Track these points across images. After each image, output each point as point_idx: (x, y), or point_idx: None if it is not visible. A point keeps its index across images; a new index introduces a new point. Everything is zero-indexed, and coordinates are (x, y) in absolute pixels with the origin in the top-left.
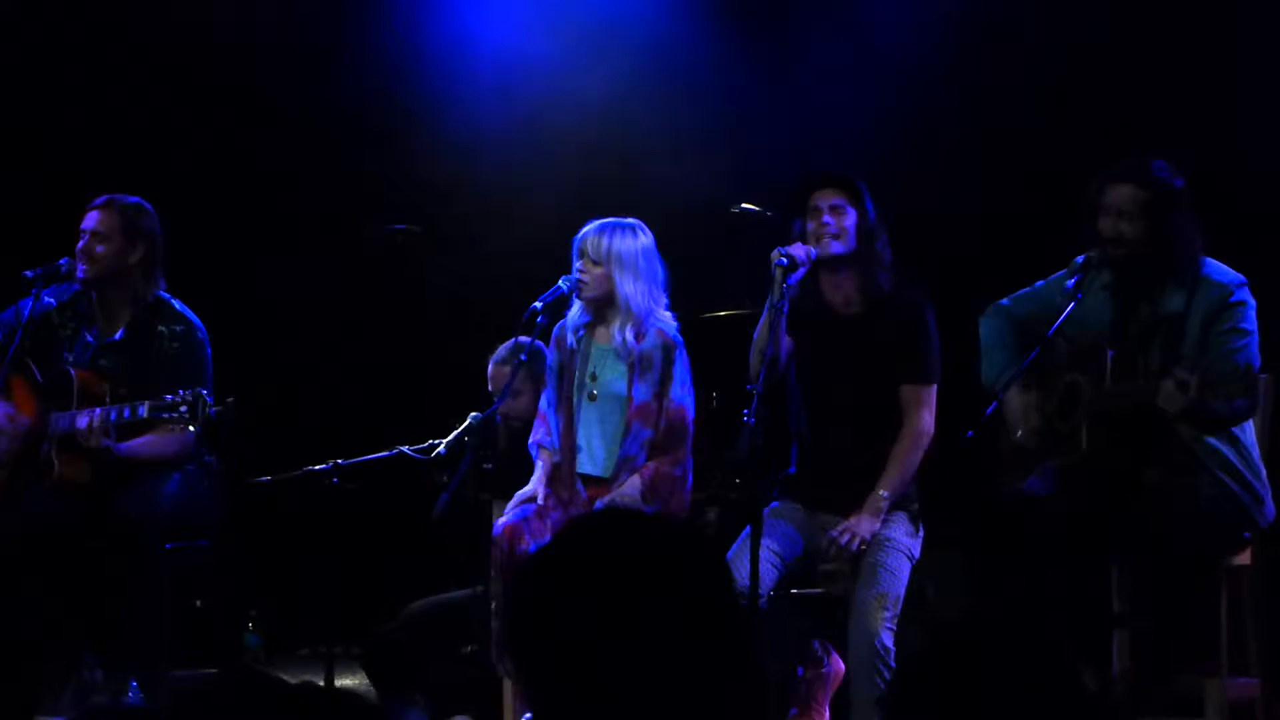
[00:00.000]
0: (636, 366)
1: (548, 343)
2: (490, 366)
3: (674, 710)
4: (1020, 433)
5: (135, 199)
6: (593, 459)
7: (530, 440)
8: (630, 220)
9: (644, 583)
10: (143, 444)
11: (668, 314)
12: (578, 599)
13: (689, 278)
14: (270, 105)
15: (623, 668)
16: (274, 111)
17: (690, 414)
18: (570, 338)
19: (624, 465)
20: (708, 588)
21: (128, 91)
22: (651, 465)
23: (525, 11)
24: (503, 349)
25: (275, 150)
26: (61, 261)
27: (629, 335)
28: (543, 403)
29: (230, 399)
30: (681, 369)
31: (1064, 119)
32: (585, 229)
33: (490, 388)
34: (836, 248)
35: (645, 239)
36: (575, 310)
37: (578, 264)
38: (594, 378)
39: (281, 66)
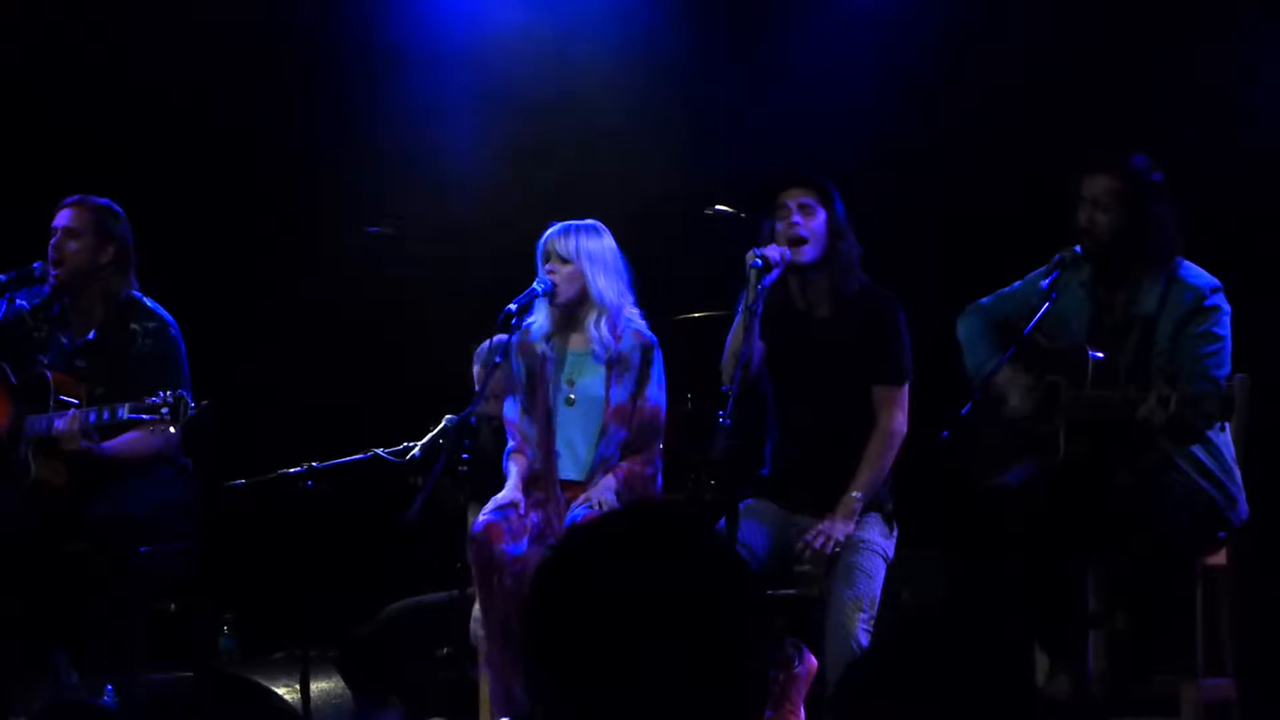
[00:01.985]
0: (615, 367)
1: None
2: (475, 364)
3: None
4: (1014, 399)
5: (105, 199)
6: (575, 463)
7: (505, 450)
8: (590, 220)
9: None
10: (126, 441)
11: (636, 311)
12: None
13: (663, 279)
14: (243, 106)
15: (647, 662)
16: (247, 112)
17: (663, 413)
18: (541, 345)
19: (600, 465)
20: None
21: (99, 91)
22: (624, 465)
23: (501, 18)
24: (484, 346)
25: (249, 151)
26: (35, 265)
27: (604, 331)
28: (509, 411)
29: (205, 402)
30: (658, 369)
31: (1037, 118)
32: (548, 232)
33: (477, 387)
34: (808, 253)
35: (609, 238)
36: (540, 317)
37: (546, 266)
38: (571, 382)
39: (256, 65)
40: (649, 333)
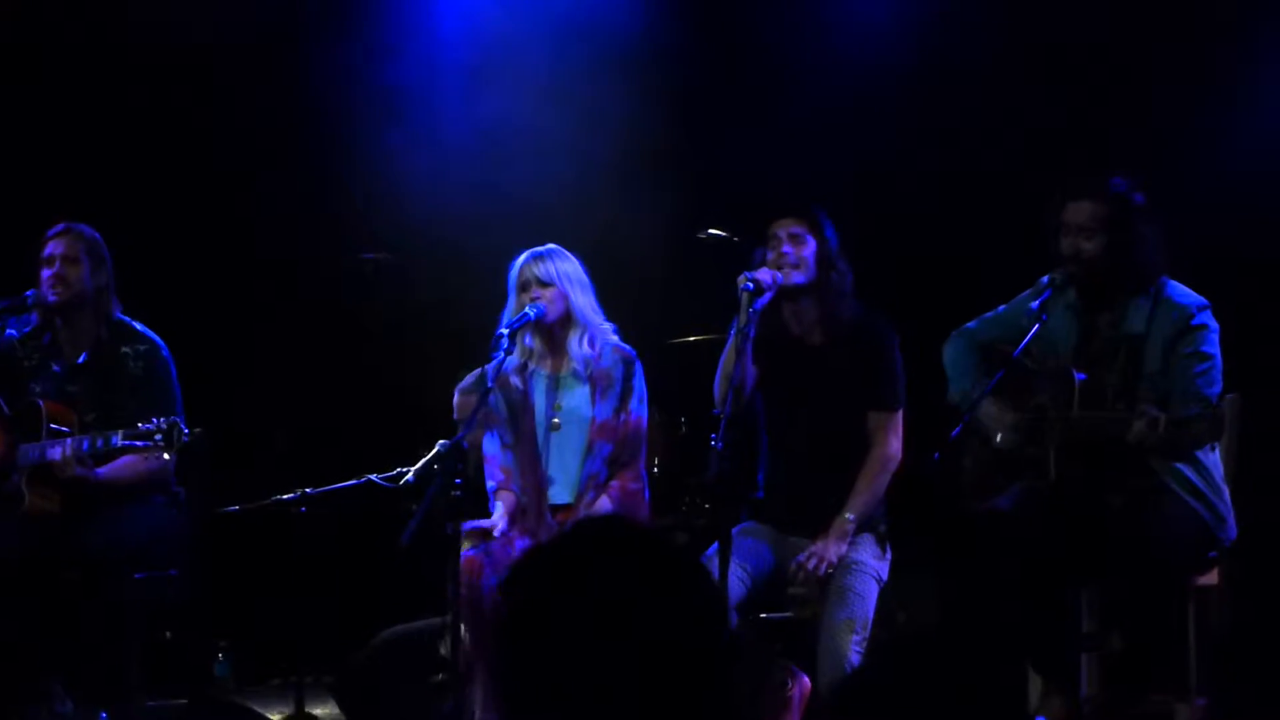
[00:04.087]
0: (598, 384)
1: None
2: (456, 395)
3: None
4: (1000, 436)
5: (86, 225)
6: (568, 486)
7: (487, 485)
8: (551, 245)
9: (640, 593)
10: (120, 467)
11: (610, 326)
12: (573, 599)
13: (656, 303)
14: (238, 134)
15: (609, 673)
16: (243, 140)
17: (645, 426)
18: (514, 379)
19: (589, 483)
20: (704, 592)
21: (87, 120)
22: (616, 483)
23: (490, 48)
24: (469, 378)
25: (246, 180)
26: (28, 294)
27: (585, 348)
28: (489, 447)
29: (198, 429)
30: (639, 382)
31: (1029, 142)
32: (519, 260)
33: (456, 416)
34: (797, 277)
35: (574, 257)
36: (519, 347)
37: (528, 294)
38: (558, 407)
39: (247, 97)
40: (627, 347)
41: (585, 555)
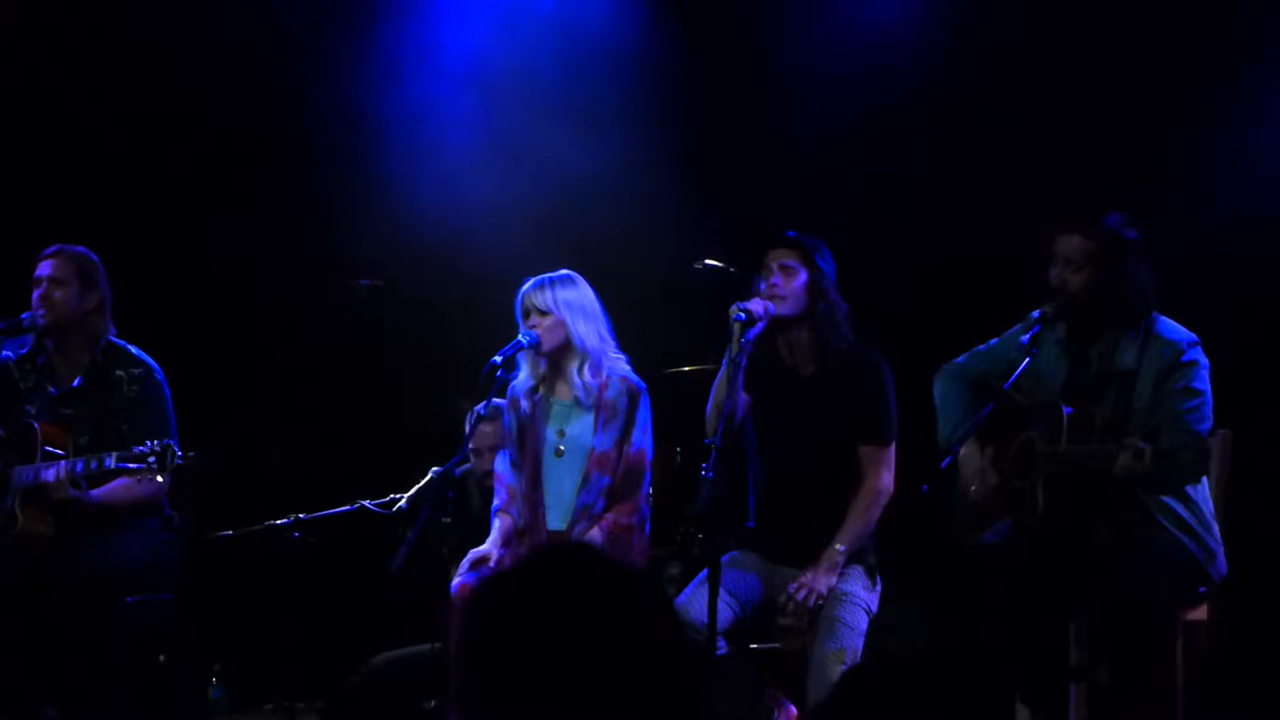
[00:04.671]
0: (601, 415)
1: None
2: (469, 422)
3: None
4: (974, 488)
5: (82, 248)
6: (564, 514)
7: (493, 506)
8: (564, 271)
9: (603, 623)
10: (115, 489)
11: (622, 357)
12: (537, 630)
13: (652, 332)
14: (235, 156)
15: (576, 708)
16: (240, 163)
17: (648, 458)
18: (524, 402)
19: (582, 513)
20: (664, 632)
21: (85, 138)
22: (610, 517)
23: (490, 73)
24: (480, 406)
25: (244, 205)
26: (24, 316)
27: (588, 377)
28: (499, 466)
29: (192, 453)
30: (644, 414)
31: (1028, 165)
32: (524, 288)
33: (470, 445)
34: (785, 309)
35: (586, 286)
36: (523, 374)
37: (528, 322)
38: (561, 434)
39: (246, 119)
40: (636, 378)
41: (546, 591)
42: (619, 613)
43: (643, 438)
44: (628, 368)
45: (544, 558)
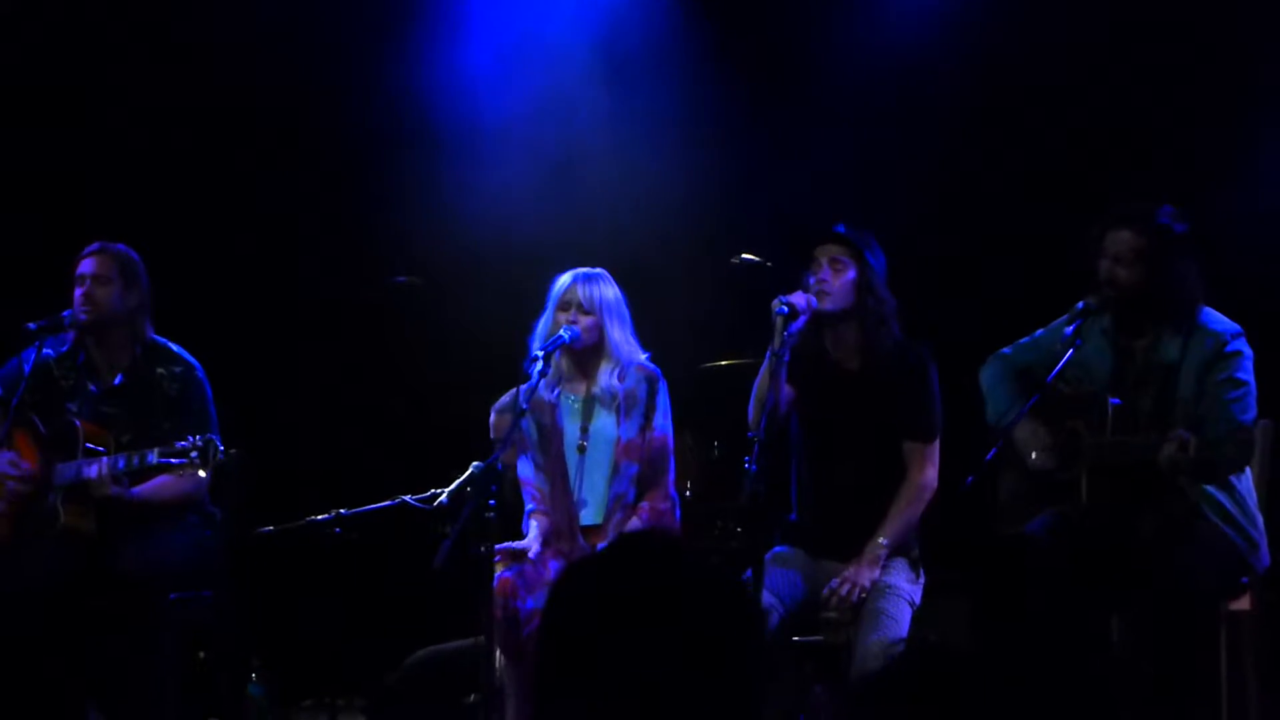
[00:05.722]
0: (622, 406)
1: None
2: (493, 415)
3: None
4: (1035, 455)
5: (123, 245)
6: (598, 508)
7: (526, 507)
8: (598, 269)
9: (686, 613)
10: (157, 485)
11: (645, 355)
12: (622, 621)
13: (690, 327)
14: (272, 154)
15: (638, 690)
16: (276, 160)
17: (670, 442)
18: (549, 395)
19: (616, 503)
20: (742, 625)
21: (126, 139)
22: (646, 504)
23: (526, 76)
24: (506, 398)
25: (284, 203)
26: (64, 314)
27: (614, 380)
28: (523, 471)
29: (233, 450)
30: (663, 399)
31: (1069, 164)
32: (564, 280)
33: (493, 435)
34: (830, 304)
35: (615, 285)
36: (547, 376)
37: (567, 315)
38: (585, 430)
39: (281, 116)
40: (652, 365)
41: (630, 577)
42: (703, 604)
43: (664, 422)
44: (643, 355)
45: (629, 546)
